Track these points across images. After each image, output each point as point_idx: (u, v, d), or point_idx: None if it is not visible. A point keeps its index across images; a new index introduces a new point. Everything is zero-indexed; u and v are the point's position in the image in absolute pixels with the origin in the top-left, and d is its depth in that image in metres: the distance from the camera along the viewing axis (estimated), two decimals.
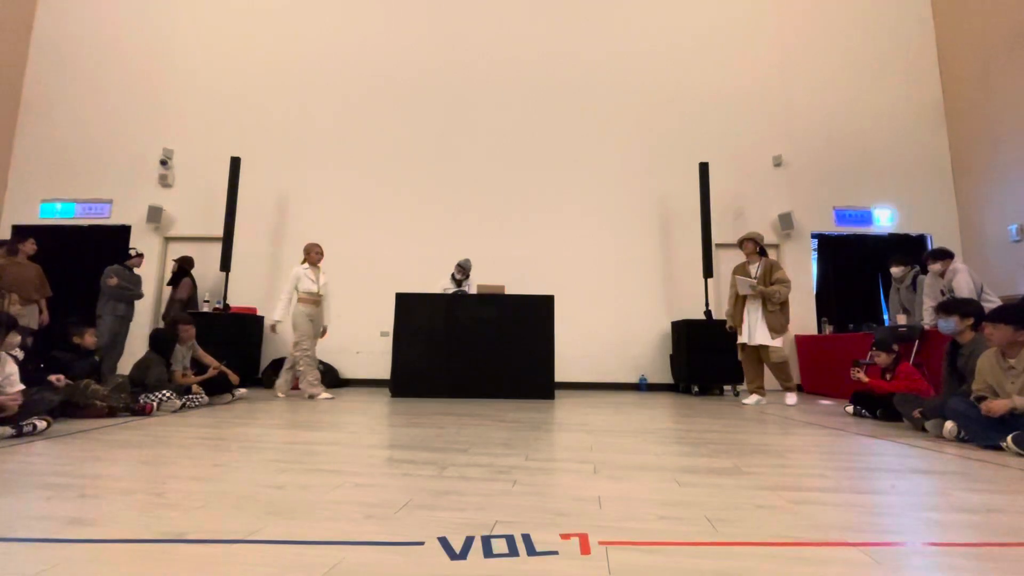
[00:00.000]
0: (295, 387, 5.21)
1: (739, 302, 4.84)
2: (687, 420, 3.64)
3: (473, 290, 5.80)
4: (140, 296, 5.94)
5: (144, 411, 3.49)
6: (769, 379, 5.07)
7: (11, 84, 7.42)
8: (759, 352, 4.75)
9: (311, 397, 4.83)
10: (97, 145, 7.35)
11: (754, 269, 4.81)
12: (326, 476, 1.86)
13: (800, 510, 1.52)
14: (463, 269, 5.78)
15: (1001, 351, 2.74)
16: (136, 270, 5.92)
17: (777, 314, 4.63)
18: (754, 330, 4.70)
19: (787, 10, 7.45)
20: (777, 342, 4.62)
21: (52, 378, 3.13)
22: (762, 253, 4.89)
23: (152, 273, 6.90)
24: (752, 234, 4.90)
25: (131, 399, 3.54)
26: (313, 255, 5.06)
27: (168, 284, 6.36)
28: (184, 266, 6.33)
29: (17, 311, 3.47)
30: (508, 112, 7.31)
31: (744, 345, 4.82)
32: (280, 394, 4.96)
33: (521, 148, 7.24)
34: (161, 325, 5.80)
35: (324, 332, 5.12)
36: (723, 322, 6.02)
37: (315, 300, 4.97)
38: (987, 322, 2.80)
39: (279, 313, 4.81)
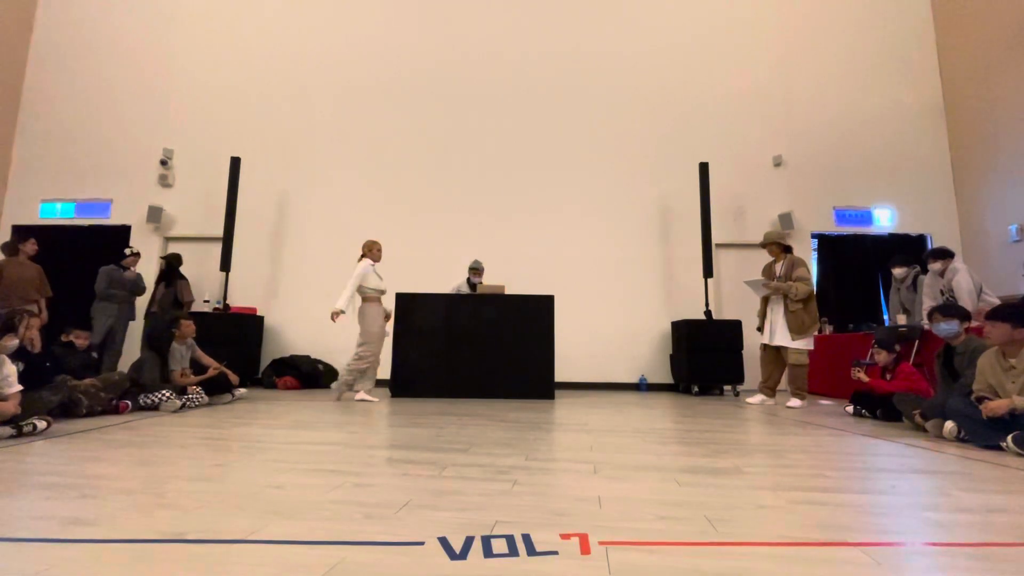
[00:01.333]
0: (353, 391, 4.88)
1: (764, 301, 4.80)
2: (687, 420, 3.64)
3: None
4: (140, 294, 5.93)
5: (117, 410, 3.47)
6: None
7: (11, 84, 7.42)
8: (781, 353, 4.66)
9: (344, 394, 4.76)
10: (97, 145, 7.35)
11: (779, 268, 4.75)
12: (326, 476, 1.86)
13: (800, 510, 1.52)
14: (477, 271, 5.81)
15: (1001, 351, 2.74)
16: (134, 268, 5.90)
17: (799, 313, 4.48)
18: (775, 330, 4.63)
19: (787, 11, 7.44)
20: (798, 344, 4.47)
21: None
22: (787, 250, 4.82)
23: (152, 272, 6.89)
24: (771, 236, 4.82)
25: (105, 401, 3.43)
26: (376, 252, 4.92)
27: (158, 282, 6.12)
28: (173, 263, 6.10)
29: (33, 336, 3.47)
30: (509, 112, 7.31)
31: (766, 345, 4.76)
32: (374, 398, 4.74)
33: (522, 148, 7.24)
34: (152, 322, 5.76)
35: (389, 317, 5.07)
36: (723, 322, 6.09)
37: (379, 299, 4.90)
38: (986, 320, 2.81)
39: (344, 303, 4.55)
